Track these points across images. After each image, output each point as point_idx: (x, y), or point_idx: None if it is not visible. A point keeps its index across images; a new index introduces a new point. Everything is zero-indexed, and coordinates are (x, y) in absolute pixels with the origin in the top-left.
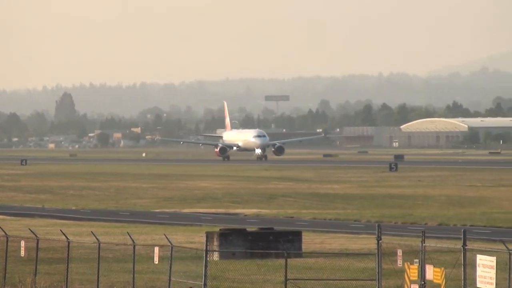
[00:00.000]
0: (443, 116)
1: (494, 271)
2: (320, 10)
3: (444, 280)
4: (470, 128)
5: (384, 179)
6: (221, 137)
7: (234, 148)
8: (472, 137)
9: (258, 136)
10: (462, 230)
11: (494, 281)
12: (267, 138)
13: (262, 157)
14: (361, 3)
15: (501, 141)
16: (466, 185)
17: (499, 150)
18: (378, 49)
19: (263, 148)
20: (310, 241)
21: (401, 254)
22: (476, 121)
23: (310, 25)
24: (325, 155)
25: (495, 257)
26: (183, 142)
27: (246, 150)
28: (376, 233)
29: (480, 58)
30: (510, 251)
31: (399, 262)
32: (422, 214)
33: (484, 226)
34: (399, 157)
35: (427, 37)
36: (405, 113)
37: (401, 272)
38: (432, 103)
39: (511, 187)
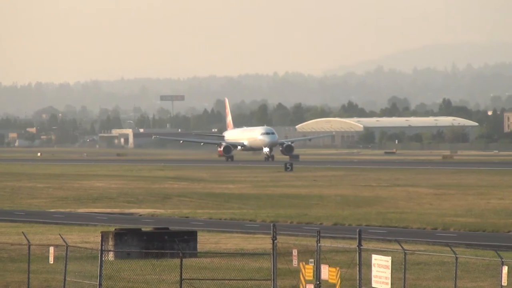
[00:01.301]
0: (339, 116)
1: (389, 271)
2: (214, 9)
3: (339, 280)
4: (366, 128)
5: (280, 179)
6: (223, 136)
7: (239, 147)
8: (368, 137)
9: (267, 133)
10: (357, 230)
11: (389, 281)
12: (277, 135)
13: (269, 157)
14: (255, 3)
15: (396, 141)
16: (362, 185)
17: (394, 150)
18: (273, 48)
19: (272, 147)
20: (205, 241)
21: (296, 254)
22: (372, 121)
23: (204, 25)
24: (220, 155)
25: (390, 257)
26: (183, 141)
27: (252, 149)
28: (271, 233)
29: (375, 58)
30: (405, 251)
31: (295, 262)
32: (317, 214)
33: (380, 226)
34: (294, 157)
35: (322, 37)
36: (301, 113)
37: (296, 272)
38: (328, 103)
39: (406, 186)
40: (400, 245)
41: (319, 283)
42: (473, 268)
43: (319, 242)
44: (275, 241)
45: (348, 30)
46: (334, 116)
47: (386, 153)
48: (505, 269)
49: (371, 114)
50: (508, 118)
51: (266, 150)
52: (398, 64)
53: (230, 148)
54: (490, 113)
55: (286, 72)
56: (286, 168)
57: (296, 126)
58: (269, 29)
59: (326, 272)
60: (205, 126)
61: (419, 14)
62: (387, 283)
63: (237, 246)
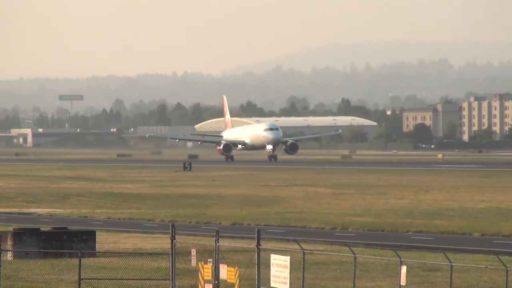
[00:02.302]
0: (238, 116)
1: (288, 270)
2: (112, 9)
3: (238, 280)
4: None
5: (178, 178)
6: (221, 136)
7: (239, 146)
8: None
9: (271, 129)
10: (256, 230)
11: (288, 281)
12: (281, 132)
13: (272, 157)
14: (153, 3)
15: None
16: (260, 184)
17: None
18: (172, 48)
19: (276, 144)
20: (104, 240)
21: (195, 253)
22: (270, 121)
23: (102, 25)
24: (119, 155)
25: (288, 257)
26: (179, 140)
27: (253, 148)
28: (170, 232)
29: (274, 58)
30: (304, 251)
31: (193, 262)
32: (216, 214)
33: (278, 226)
34: (193, 157)
35: (221, 37)
36: (199, 113)
37: (195, 271)
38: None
39: (305, 186)
40: (299, 245)
41: (218, 282)
42: (372, 268)
43: (218, 242)
44: (174, 241)
45: (246, 30)
46: (233, 116)
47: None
48: (404, 269)
49: (270, 114)
50: (407, 117)
51: (269, 147)
52: (297, 64)
53: (230, 146)
54: (389, 112)
55: (185, 72)
56: (185, 168)
57: (195, 126)
58: (168, 29)
59: (224, 272)
60: (104, 126)
61: (318, 14)
62: (285, 283)
63: (136, 245)
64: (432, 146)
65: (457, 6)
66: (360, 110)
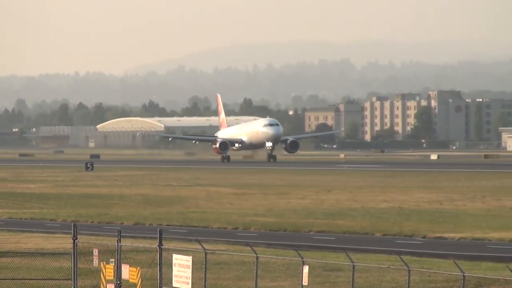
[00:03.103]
0: (140, 116)
1: (190, 270)
2: (16, 9)
3: (140, 280)
4: (167, 128)
5: (80, 178)
6: (215, 137)
7: (236, 145)
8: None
9: (271, 124)
10: (158, 230)
11: (190, 281)
12: (281, 128)
13: (271, 158)
14: (57, 4)
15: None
16: (162, 184)
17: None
18: (74, 48)
19: (276, 141)
20: (5, 240)
21: (97, 253)
22: (173, 121)
23: (2, 24)
24: (21, 155)
25: (190, 257)
26: (171, 138)
27: (251, 147)
28: (72, 232)
29: (176, 57)
30: (206, 251)
31: (95, 262)
32: (118, 214)
33: (180, 226)
34: (95, 157)
35: (123, 37)
36: (102, 113)
37: (97, 271)
38: (129, 102)
39: (207, 186)
40: (201, 245)
41: (120, 282)
42: (274, 268)
43: (120, 242)
44: (76, 241)
45: (149, 29)
46: (135, 116)
47: (187, 153)
48: (306, 269)
49: (172, 114)
50: (309, 117)
51: (269, 145)
52: (199, 64)
53: (227, 144)
54: (291, 112)
55: (87, 72)
56: (86, 168)
57: (97, 126)
58: (69, 28)
59: (126, 272)
60: (6, 126)
61: (220, 14)
62: (187, 283)
63: (38, 245)
64: (334, 146)
65: (358, 6)
66: (262, 110)
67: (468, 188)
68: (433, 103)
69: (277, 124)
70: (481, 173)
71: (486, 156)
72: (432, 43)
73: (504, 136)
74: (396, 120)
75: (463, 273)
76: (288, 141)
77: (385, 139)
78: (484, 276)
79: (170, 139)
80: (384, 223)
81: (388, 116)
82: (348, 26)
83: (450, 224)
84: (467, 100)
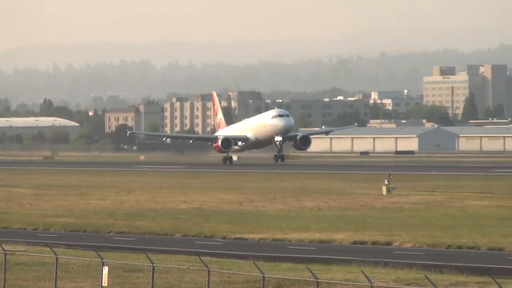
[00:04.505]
0: None
1: None
2: None
3: None
4: None
5: None
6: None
7: (239, 143)
8: None
9: (280, 115)
10: None
11: None
12: (292, 119)
13: (279, 157)
14: None
15: None
16: None
17: None
18: None
19: (286, 135)
20: None
21: None
22: None
23: None
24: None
25: None
26: (166, 138)
27: (257, 144)
28: None
29: None
30: (5, 252)
31: None
32: None
33: None
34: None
35: None
36: None
37: None
38: None
39: (6, 187)
40: (0, 246)
41: None
42: (74, 269)
43: None
44: None
45: None
46: None
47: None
48: (105, 270)
49: None
50: (109, 118)
51: (278, 139)
52: None
53: (230, 141)
54: (91, 113)
55: None
56: None
57: None
58: None
59: None
60: None
61: (17, 15)
62: None
63: None
64: (134, 148)
65: (155, 7)
66: (62, 111)
67: (268, 189)
68: (233, 103)
69: (287, 115)
70: (282, 174)
71: (287, 157)
72: (232, 43)
73: None
74: (196, 121)
75: (263, 274)
76: (298, 137)
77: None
78: (284, 277)
79: (164, 139)
80: (184, 224)
81: (189, 117)
82: (148, 27)
83: (250, 225)
84: (267, 100)
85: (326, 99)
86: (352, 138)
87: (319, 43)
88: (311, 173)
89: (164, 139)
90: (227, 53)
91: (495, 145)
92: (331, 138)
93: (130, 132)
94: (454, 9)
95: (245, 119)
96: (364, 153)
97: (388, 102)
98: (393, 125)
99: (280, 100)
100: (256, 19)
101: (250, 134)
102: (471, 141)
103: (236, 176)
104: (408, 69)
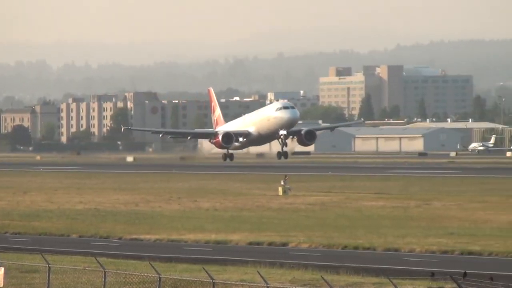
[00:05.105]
0: None
1: None
2: None
3: None
4: None
5: None
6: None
7: (240, 139)
8: None
9: (285, 107)
10: None
11: None
12: (298, 112)
13: (282, 154)
14: None
15: None
16: None
17: None
18: None
19: (291, 128)
20: None
21: None
22: None
23: None
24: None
25: None
26: (162, 135)
27: (258, 141)
28: None
29: None
30: None
31: None
32: None
33: None
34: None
35: None
36: None
37: None
38: None
39: None
40: None
41: None
42: None
43: None
44: None
45: None
46: None
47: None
48: (1, 270)
49: None
50: (5, 119)
51: (283, 132)
52: None
53: (231, 136)
54: None
55: None
56: None
57: None
58: None
59: None
60: None
61: None
62: None
63: None
64: (31, 148)
65: (59, 7)
66: None
67: (164, 190)
68: (130, 104)
69: (292, 107)
70: (177, 175)
71: (182, 158)
72: (129, 44)
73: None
74: (92, 122)
75: (159, 274)
76: (303, 132)
77: (82, 141)
78: (180, 277)
79: (160, 135)
80: (80, 225)
81: (85, 118)
82: (45, 28)
83: (146, 225)
84: (163, 101)
85: (223, 100)
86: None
87: (216, 44)
88: (208, 174)
89: (160, 135)
90: (124, 54)
91: (391, 146)
92: None
93: (125, 128)
94: (350, 10)
95: (246, 114)
96: (260, 155)
97: None
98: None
99: (177, 101)
100: (152, 20)
101: (252, 129)
102: (367, 142)
103: (133, 177)
104: (305, 70)
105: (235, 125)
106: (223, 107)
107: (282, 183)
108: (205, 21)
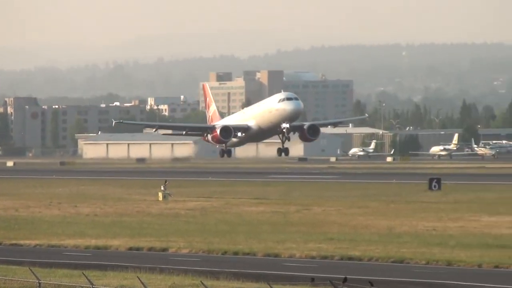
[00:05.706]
0: None
1: None
2: None
3: None
4: None
5: None
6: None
7: (238, 134)
8: None
9: (289, 98)
10: None
11: None
12: (302, 103)
13: (283, 150)
14: None
15: None
16: None
17: None
18: None
19: (295, 121)
20: None
21: None
22: None
23: None
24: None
25: None
26: (156, 130)
27: (258, 136)
28: None
29: None
30: None
31: None
32: None
33: None
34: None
35: None
36: None
37: None
38: None
39: None
40: None
41: None
42: None
43: None
44: None
45: None
46: None
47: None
48: None
49: None
50: None
51: (285, 126)
52: None
53: (230, 130)
54: None
55: None
56: None
57: None
58: None
59: None
60: None
61: None
62: None
63: None
64: None
65: None
66: None
67: (44, 195)
68: (10, 109)
69: (296, 98)
70: (58, 180)
71: (62, 163)
72: (8, 49)
73: (81, 142)
74: None
75: (39, 280)
76: (306, 126)
77: None
78: (60, 283)
79: (154, 130)
80: None
81: None
82: None
83: (26, 231)
84: (43, 106)
85: (103, 105)
86: (129, 144)
87: (96, 48)
88: (88, 179)
89: (154, 130)
90: (3, 59)
91: (271, 151)
92: (107, 144)
93: (117, 121)
94: (230, 15)
95: (245, 108)
96: (141, 160)
97: (164, 107)
98: (170, 131)
99: (57, 106)
100: (31, 24)
101: (252, 123)
102: (249, 148)
103: (13, 182)
104: (185, 75)
105: (233, 120)
106: (102, 112)
107: (162, 188)
108: (85, 25)
